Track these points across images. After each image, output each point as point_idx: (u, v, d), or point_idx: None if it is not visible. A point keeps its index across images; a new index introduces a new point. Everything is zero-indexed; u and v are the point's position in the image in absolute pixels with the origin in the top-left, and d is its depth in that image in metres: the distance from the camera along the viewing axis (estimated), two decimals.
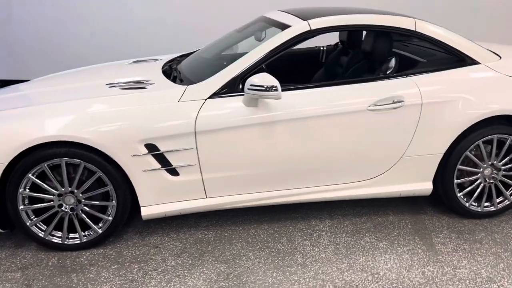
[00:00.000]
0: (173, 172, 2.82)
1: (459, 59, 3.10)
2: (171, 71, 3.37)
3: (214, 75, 2.87)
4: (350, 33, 3.87)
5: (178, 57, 3.94)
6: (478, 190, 3.14)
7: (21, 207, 2.75)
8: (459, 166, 3.06)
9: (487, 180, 3.14)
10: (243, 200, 2.97)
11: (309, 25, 2.97)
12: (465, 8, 5.92)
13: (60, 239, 2.86)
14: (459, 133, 2.98)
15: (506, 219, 3.22)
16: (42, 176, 2.74)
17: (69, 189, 2.76)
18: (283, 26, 3.07)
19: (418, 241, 2.96)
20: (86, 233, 2.88)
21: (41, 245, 2.88)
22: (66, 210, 2.80)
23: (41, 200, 2.79)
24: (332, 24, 3.01)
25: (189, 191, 2.89)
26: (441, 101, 2.95)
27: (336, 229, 3.11)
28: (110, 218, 2.85)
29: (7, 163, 2.63)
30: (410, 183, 3.11)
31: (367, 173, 3.04)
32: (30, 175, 2.68)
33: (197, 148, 2.78)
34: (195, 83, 2.90)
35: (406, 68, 3.13)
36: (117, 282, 2.60)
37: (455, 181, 3.10)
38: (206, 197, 2.94)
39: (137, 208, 2.89)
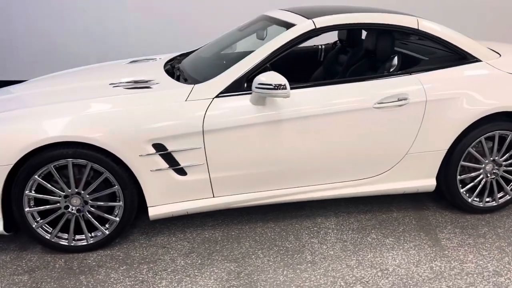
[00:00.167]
0: (181, 171, 2.81)
1: (460, 57, 3.15)
2: (174, 70, 3.35)
3: (221, 74, 2.87)
4: (350, 31, 3.90)
5: (178, 56, 3.93)
6: (480, 185, 3.19)
7: (27, 209, 2.71)
8: (462, 162, 3.11)
9: (488, 175, 3.19)
10: (250, 199, 2.97)
11: (314, 24, 2.98)
12: (463, 8, 6.01)
13: (67, 241, 2.82)
14: (462, 129, 3.02)
15: (507, 213, 3.28)
16: (47, 177, 2.70)
17: (76, 190, 2.73)
18: (288, 25, 3.08)
19: (424, 237, 3.00)
20: (92, 234, 2.85)
21: (47, 247, 2.84)
22: (72, 211, 2.77)
23: (47, 202, 2.75)
24: (337, 22, 3.03)
25: (196, 190, 2.88)
26: (445, 98, 2.99)
27: (342, 226, 3.13)
28: (117, 219, 2.83)
29: (13, 165, 2.59)
30: (414, 179, 3.14)
31: (372, 171, 3.07)
32: (36, 176, 2.65)
33: (204, 147, 2.77)
34: (201, 82, 2.89)
35: (408, 66, 3.16)
36: (128, 283, 2.58)
37: (458, 177, 3.14)
38: (214, 197, 2.93)
39: (142, 208, 2.87)
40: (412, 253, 2.82)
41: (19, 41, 6.13)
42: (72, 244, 2.83)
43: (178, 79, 3.12)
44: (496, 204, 3.25)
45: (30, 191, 2.68)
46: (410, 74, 3.03)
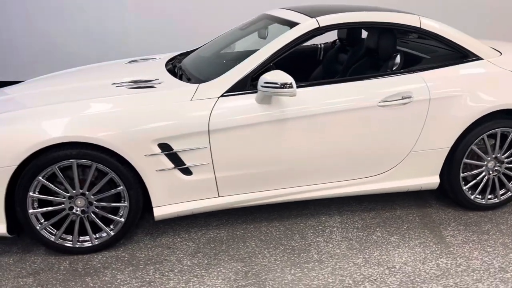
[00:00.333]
0: (186, 171, 2.79)
1: (462, 55, 3.17)
2: (176, 70, 3.32)
3: (225, 73, 2.86)
4: (350, 30, 3.91)
5: (178, 55, 3.90)
6: (483, 183, 3.21)
7: (31, 210, 2.67)
8: (464, 160, 3.13)
9: (490, 173, 3.22)
10: (256, 198, 2.96)
11: (318, 22, 2.99)
12: (463, 8, 6.06)
13: (71, 243, 2.79)
14: (465, 127, 3.04)
15: (509, 210, 3.31)
16: (51, 178, 2.67)
17: (80, 191, 2.70)
18: (291, 24, 3.07)
19: (428, 234, 3.01)
20: (97, 235, 2.82)
21: (51, 249, 2.81)
22: (77, 212, 2.74)
23: (50, 203, 2.72)
24: (341, 21, 3.03)
25: (202, 190, 2.87)
26: (448, 96, 3.00)
27: (346, 224, 3.14)
28: (122, 219, 2.80)
29: (16, 166, 2.56)
30: (418, 177, 3.16)
31: (377, 169, 3.07)
32: (40, 177, 2.61)
33: (210, 147, 2.76)
34: (204, 81, 2.88)
35: (410, 64, 3.17)
36: (135, 284, 2.55)
37: (461, 174, 3.16)
38: (219, 196, 2.92)
39: (145, 208, 2.85)
40: (418, 251, 2.83)
41: (18, 41, 6.07)
42: (77, 246, 2.80)
43: (180, 79, 3.10)
44: (498, 201, 3.28)
45: (34, 192, 2.64)
46: (414, 72, 3.04)
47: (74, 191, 2.70)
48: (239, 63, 2.93)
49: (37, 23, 5.98)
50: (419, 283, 2.54)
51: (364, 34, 3.98)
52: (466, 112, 3.01)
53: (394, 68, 3.15)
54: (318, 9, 3.25)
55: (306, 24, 2.97)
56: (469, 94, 3.02)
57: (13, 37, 6.02)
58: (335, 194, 3.06)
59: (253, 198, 2.96)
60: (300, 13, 3.19)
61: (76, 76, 3.56)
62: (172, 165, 2.75)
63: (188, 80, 3.03)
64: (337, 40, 4.31)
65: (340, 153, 2.96)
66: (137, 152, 2.67)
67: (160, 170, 2.74)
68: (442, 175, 3.18)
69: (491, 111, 3.02)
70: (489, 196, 3.26)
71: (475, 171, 3.19)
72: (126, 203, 2.77)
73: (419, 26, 3.12)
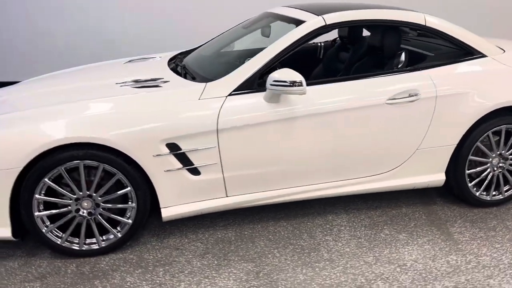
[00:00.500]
0: (195, 171, 2.76)
1: (466, 52, 3.18)
2: (180, 69, 3.28)
3: (233, 72, 2.83)
4: (351, 28, 3.90)
5: (178, 54, 3.86)
6: (488, 179, 3.23)
7: (37, 213, 2.61)
8: (470, 157, 3.14)
9: (495, 169, 3.23)
10: (264, 198, 2.94)
11: (324, 20, 2.97)
12: (463, 8, 6.10)
13: (78, 245, 2.74)
14: (471, 124, 3.05)
15: None
16: (56, 180, 2.62)
17: (87, 192, 2.65)
18: (297, 22, 3.05)
19: (436, 231, 3.02)
20: (104, 237, 2.78)
21: (57, 252, 2.75)
22: (83, 214, 2.69)
23: (56, 205, 2.66)
24: (347, 19, 3.02)
25: (210, 190, 2.84)
26: (454, 93, 3.01)
27: (353, 223, 3.13)
28: (130, 221, 2.76)
29: (22, 168, 2.50)
30: (424, 175, 3.16)
31: (384, 167, 3.07)
32: (46, 179, 2.56)
33: (219, 146, 2.73)
34: (211, 80, 2.84)
35: (414, 62, 3.18)
36: (145, 287, 2.51)
37: (467, 171, 3.17)
38: (227, 196, 2.89)
39: (151, 210, 2.81)
40: (427, 248, 2.84)
41: (18, 41, 5.97)
42: (84, 248, 2.75)
43: (185, 78, 3.06)
44: (502, 197, 3.30)
45: (40, 195, 2.59)
46: (420, 70, 3.04)
47: (81, 193, 2.65)
48: (245, 61, 2.90)
49: (37, 23, 5.90)
50: (431, 281, 2.54)
51: (365, 32, 4.00)
52: (472, 109, 3.02)
53: (399, 66, 3.15)
54: (323, 7, 3.24)
55: (313, 22, 2.96)
56: (475, 91, 3.03)
57: (12, 37, 5.92)
58: (343, 192, 3.05)
59: (261, 197, 2.93)
60: (306, 11, 3.17)
61: (77, 76, 3.50)
62: (180, 165, 2.71)
63: (193, 79, 3.00)
64: (337, 38, 4.30)
65: (348, 151, 2.95)
66: (145, 152, 2.63)
67: (168, 170, 2.70)
68: (448, 172, 3.19)
69: (496, 107, 3.04)
70: (494, 193, 3.28)
71: (480, 168, 3.20)
72: (133, 204, 2.73)
73: (424, 24, 3.12)
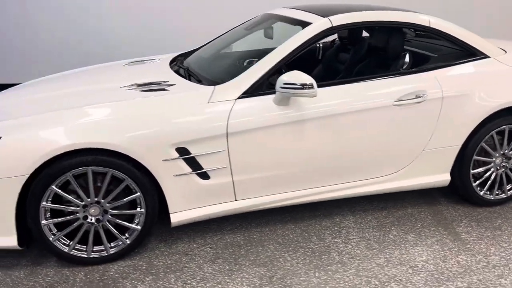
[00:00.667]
0: (204, 175, 2.72)
1: (469, 53, 3.20)
2: (184, 72, 3.23)
3: (241, 75, 2.80)
4: (352, 29, 3.90)
5: (178, 56, 3.81)
6: (491, 179, 3.26)
7: (44, 221, 2.55)
8: (475, 157, 3.17)
9: (498, 168, 3.27)
10: (272, 201, 2.92)
11: (331, 22, 2.96)
12: (463, 9, 6.18)
13: (85, 253, 2.68)
14: (476, 124, 3.08)
15: None
16: (63, 187, 2.55)
17: (96, 199, 2.60)
18: (303, 24, 3.04)
19: (443, 232, 3.04)
20: (112, 244, 2.72)
21: (64, 260, 2.69)
22: (91, 221, 2.63)
23: (62, 213, 2.60)
24: (353, 20, 3.02)
25: (219, 194, 2.81)
26: (460, 95, 3.03)
27: (361, 224, 3.13)
28: (139, 227, 2.71)
29: (29, 175, 2.43)
30: (430, 175, 3.18)
31: (391, 168, 3.08)
32: (53, 186, 2.50)
33: (228, 150, 2.70)
34: (218, 83, 2.82)
35: (418, 63, 3.19)
36: None
37: (471, 171, 3.20)
38: (236, 200, 2.86)
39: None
40: (436, 249, 2.85)
41: (17, 42, 5.86)
42: (91, 256, 2.69)
43: (189, 80, 3.02)
44: (505, 196, 3.34)
45: (47, 202, 2.52)
46: (426, 71, 3.05)
47: (89, 200, 2.59)
48: (252, 64, 2.88)
49: (37, 23, 5.79)
50: (444, 281, 2.56)
51: (364, 33, 4.00)
52: (478, 110, 3.05)
53: (404, 67, 3.15)
54: (327, 9, 3.23)
55: (319, 24, 2.95)
56: (480, 92, 3.05)
57: (12, 38, 5.81)
58: (350, 194, 3.05)
59: (269, 201, 2.91)
60: (311, 12, 3.16)
61: (78, 79, 3.42)
62: (190, 170, 2.68)
63: (199, 82, 2.96)
64: (336, 39, 4.30)
65: (357, 153, 2.94)
66: (155, 157, 2.58)
67: (178, 175, 2.66)
68: (453, 172, 3.21)
69: (501, 108, 3.07)
70: (497, 192, 3.32)
71: (483, 168, 3.23)
72: (142, 210, 2.68)
73: (428, 25, 3.13)
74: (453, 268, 2.67)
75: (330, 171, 2.95)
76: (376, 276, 2.61)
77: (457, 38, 3.17)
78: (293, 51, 2.86)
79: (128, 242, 2.72)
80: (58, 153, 2.42)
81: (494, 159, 3.24)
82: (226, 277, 2.61)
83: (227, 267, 2.70)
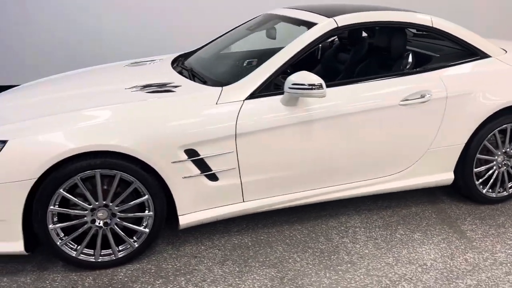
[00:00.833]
0: (213, 177, 2.71)
1: (471, 53, 3.24)
2: (188, 72, 3.21)
3: (249, 75, 2.79)
4: (352, 29, 3.90)
5: (178, 57, 3.79)
6: (494, 177, 3.30)
7: (51, 226, 2.50)
8: (477, 155, 3.20)
9: (500, 166, 3.31)
10: (280, 202, 2.91)
11: (336, 22, 2.97)
12: (463, 9, 6.25)
13: (93, 257, 2.64)
14: (479, 123, 3.11)
15: None
16: (70, 191, 2.51)
17: (104, 202, 2.56)
18: (308, 24, 3.04)
19: (448, 230, 3.06)
20: (120, 248, 2.69)
21: (71, 265, 2.65)
22: (99, 225, 2.59)
23: (68, 216, 2.56)
24: (358, 20, 3.03)
25: (226, 196, 2.79)
26: (463, 94, 3.06)
27: (367, 224, 3.14)
28: (147, 230, 2.68)
29: (36, 179, 2.39)
30: (434, 174, 3.20)
31: (396, 167, 3.09)
32: (61, 190, 2.45)
33: (237, 151, 2.69)
34: (225, 84, 2.80)
35: (420, 63, 3.21)
36: None
37: (474, 170, 3.23)
38: (243, 201, 2.85)
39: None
40: (443, 247, 2.87)
41: (17, 42, 5.78)
42: (99, 260, 2.65)
43: (194, 81, 3.00)
44: (507, 193, 3.38)
45: (54, 206, 2.48)
46: (430, 71, 3.08)
47: (97, 203, 2.55)
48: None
49: (37, 23, 5.71)
50: (453, 279, 2.58)
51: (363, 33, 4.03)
52: (480, 109, 3.08)
53: (407, 67, 3.17)
54: (330, 9, 3.24)
55: (325, 24, 2.95)
56: (482, 91, 3.09)
57: (11, 38, 5.72)
58: (357, 194, 3.06)
59: (277, 201, 2.91)
60: (314, 13, 3.16)
61: (82, 80, 3.36)
62: (199, 171, 2.66)
63: (204, 83, 2.94)
64: (336, 39, 4.31)
65: (364, 153, 2.95)
66: (164, 159, 2.56)
67: (186, 177, 2.64)
68: (456, 171, 3.24)
69: (503, 106, 3.11)
70: (499, 190, 3.36)
71: (486, 166, 3.27)
72: (151, 213, 2.65)
73: (431, 25, 3.15)
74: (462, 266, 2.69)
75: (338, 171, 2.95)
76: (386, 275, 2.62)
77: (459, 38, 3.20)
78: (300, 51, 2.86)
79: (136, 245, 2.69)
80: (67, 156, 2.38)
81: (496, 157, 3.28)
82: (237, 279, 2.59)
83: (237, 268, 2.68)
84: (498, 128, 3.18)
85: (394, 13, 3.14)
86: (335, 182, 2.99)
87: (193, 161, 2.63)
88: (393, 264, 2.71)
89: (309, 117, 2.76)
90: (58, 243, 2.55)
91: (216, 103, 2.67)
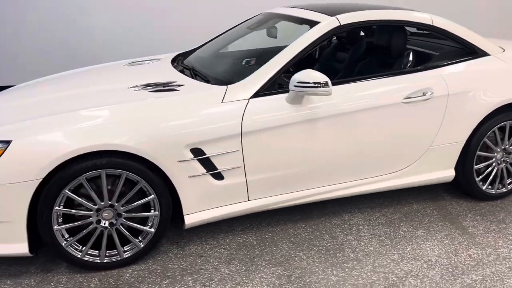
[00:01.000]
0: (218, 176, 2.70)
1: (470, 51, 3.27)
2: (190, 71, 3.19)
3: (253, 74, 2.79)
4: (351, 28, 3.91)
5: (178, 56, 3.77)
6: (493, 173, 3.34)
7: (56, 227, 2.47)
8: (478, 152, 3.24)
9: (499, 163, 3.35)
10: (284, 200, 2.91)
11: (339, 21, 2.98)
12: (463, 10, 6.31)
13: (98, 258, 2.61)
14: (479, 121, 3.15)
15: None
16: (74, 191, 2.48)
17: (109, 202, 2.54)
18: (311, 23, 3.05)
19: (450, 226, 3.09)
20: (125, 248, 2.66)
21: (76, 266, 2.61)
22: (105, 225, 2.57)
23: (73, 217, 2.53)
24: (361, 19, 3.05)
25: (232, 195, 2.78)
26: (464, 91, 3.09)
27: (370, 221, 3.16)
28: (153, 230, 2.66)
29: (41, 179, 2.36)
30: (435, 171, 3.23)
31: (398, 165, 3.12)
32: (66, 190, 2.42)
33: (242, 150, 2.68)
34: (227, 82, 2.79)
35: (420, 61, 3.24)
36: None
37: (475, 166, 3.27)
38: (249, 200, 2.84)
39: None
40: (446, 243, 2.90)
41: (16, 42, 5.70)
42: (105, 261, 2.62)
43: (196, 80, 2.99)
44: (506, 190, 3.42)
45: (59, 207, 2.45)
46: (431, 69, 3.10)
47: (102, 203, 2.53)
48: (261, 63, 2.86)
49: (37, 23, 5.65)
50: (459, 275, 2.60)
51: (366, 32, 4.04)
52: (481, 106, 3.12)
53: (408, 65, 3.20)
54: (331, 8, 3.25)
55: (328, 23, 2.96)
56: (483, 89, 3.12)
57: (11, 38, 5.65)
58: (361, 191, 3.08)
59: (282, 200, 2.91)
60: (316, 11, 3.17)
61: (83, 80, 3.32)
62: (204, 170, 2.65)
63: (207, 82, 2.93)
64: (334, 38, 4.33)
65: (368, 150, 2.97)
66: (170, 158, 2.54)
67: (192, 176, 2.63)
68: (457, 168, 3.27)
69: (503, 104, 3.15)
70: (498, 186, 3.40)
71: (485, 163, 3.31)
72: (156, 213, 2.64)
73: (431, 24, 3.18)
74: (466, 262, 2.72)
75: (342, 169, 2.96)
76: (392, 271, 2.63)
77: (459, 36, 3.24)
78: (303, 50, 2.87)
79: (142, 245, 2.67)
80: (73, 155, 2.36)
81: (495, 154, 3.32)
82: (244, 278, 2.59)
83: (244, 267, 2.68)
84: (498, 126, 3.22)
85: (395, 11, 3.16)
86: (340, 180, 3.00)
87: (199, 160, 2.62)
88: (399, 260, 2.73)
89: (314, 115, 2.77)
90: (63, 244, 2.52)
91: (221, 102, 2.67)
